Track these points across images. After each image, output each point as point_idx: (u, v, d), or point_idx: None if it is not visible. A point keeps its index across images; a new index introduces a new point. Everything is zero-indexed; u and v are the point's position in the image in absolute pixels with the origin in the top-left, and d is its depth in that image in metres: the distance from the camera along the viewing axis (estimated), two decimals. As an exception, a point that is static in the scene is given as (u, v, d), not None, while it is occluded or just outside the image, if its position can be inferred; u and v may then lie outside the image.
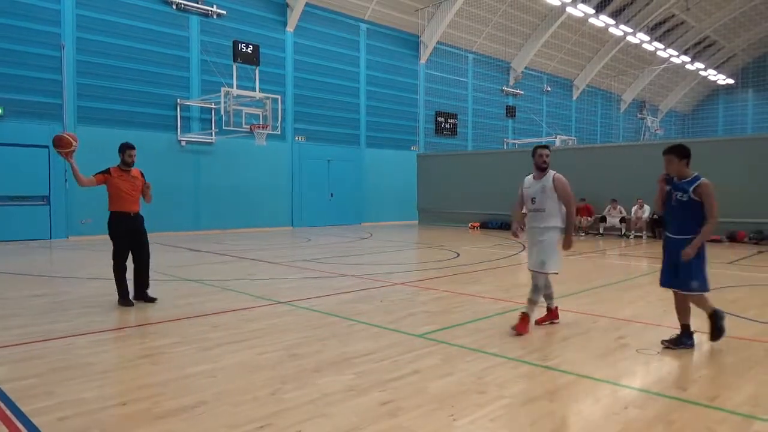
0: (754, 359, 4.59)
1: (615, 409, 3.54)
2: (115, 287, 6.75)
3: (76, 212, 15.54)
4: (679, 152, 5.04)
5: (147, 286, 6.92)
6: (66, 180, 15.18)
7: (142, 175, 6.94)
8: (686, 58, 36.23)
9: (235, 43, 16.30)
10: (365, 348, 4.85)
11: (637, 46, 33.47)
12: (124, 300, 6.67)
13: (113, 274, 6.77)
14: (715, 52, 39.96)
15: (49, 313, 6.25)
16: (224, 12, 18.33)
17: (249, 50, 16.46)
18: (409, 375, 4.13)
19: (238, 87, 16.14)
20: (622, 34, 30.95)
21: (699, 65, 37.62)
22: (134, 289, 6.83)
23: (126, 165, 6.79)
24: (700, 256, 4.78)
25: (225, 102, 15.80)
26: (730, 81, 41.95)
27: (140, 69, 16.70)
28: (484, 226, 20.09)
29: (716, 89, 44.92)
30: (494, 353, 4.69)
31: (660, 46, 33.15)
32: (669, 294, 7.67)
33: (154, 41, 17.00)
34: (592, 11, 27.15)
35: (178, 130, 17.51)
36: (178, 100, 17.46)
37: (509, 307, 6.58)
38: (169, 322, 5.85)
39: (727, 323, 4.99)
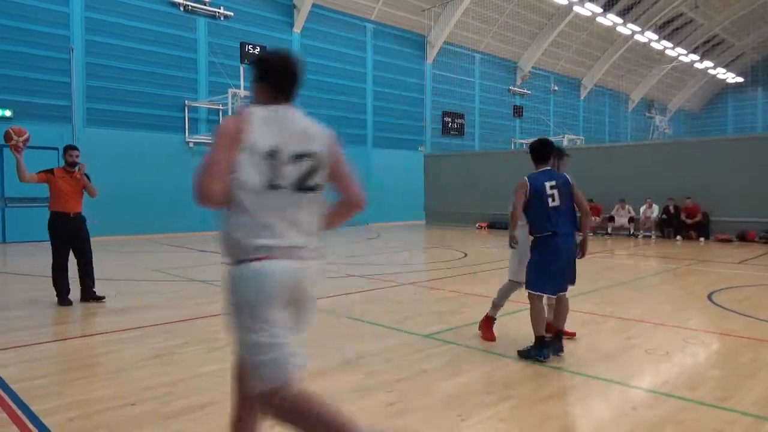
0: (765, 360, 4.55)
1: (624, 409, 3.52)
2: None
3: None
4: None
5: (92, 285, 6.95)
6: (75, 181, 15.29)
7: (85, 175, 7.05)
8: (695, 57, 35.99)
9: (242, 45, 16.38)
10: (372, 348, 4.85)
11: (645, 45, 33.28)
12: (62, 299, 6.69)
13: (52, 276, 6.78)
14: (724, 50, 39.68)
15: (58, 314, 6.29)
16: (231, 14, 18.40)
17: (256, 51, 16.53)
18: (416, 375, 4.13)
19: (246, 88, 16.19)
20: (630, 32, 30.79)
21: (708, 64, 37.36)
22: (81, 289, 6.86)
23: (69, 166, 6.97)
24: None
25: (232, 103, 15.87)
26: (740, 79, 41.62)
27: (148, 71, 16.80)
28: (492, 226, 20.03)
29: (725, 88, 44.60)
30: (502, 354, 4.67)
31: (668, 44, 32.96)
32: (678, 294, 7.61)
33: (162, 43, 17.09)
34: (599, 10, 27.02)
35: (186, 131, 17.59)
36: (186, 101, 17.54)
37: (517, 308, 6.56)
38: (178, 322, 5.88)
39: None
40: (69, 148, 7.02)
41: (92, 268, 6.98)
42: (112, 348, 4.92)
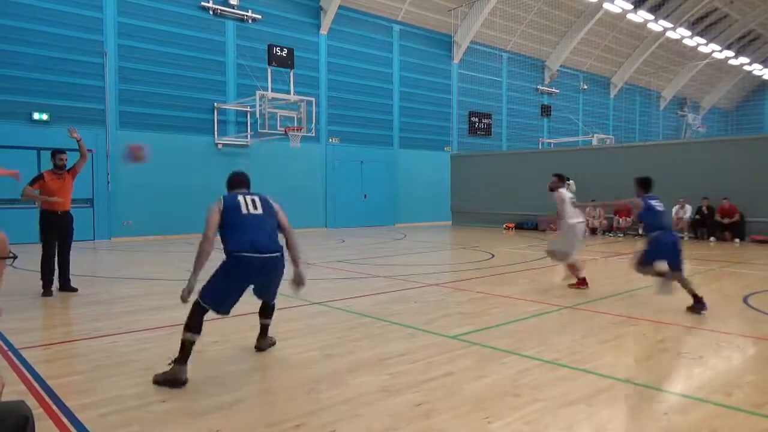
0: (804, 365, 4.41)
1: (655, 415, 3.45)
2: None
3: (119, 214, 16.01)
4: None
5: (68, 277, 7.64)
6: (109, 183, 15.66)
7: (71, 172, 7.73)
8: (730, 53, 35.05)
9: (270, 47, 16.53)
10: (399, 349, 4.85)
11: (678, 42, 32.55)
12: (46, 291, 7.30)
13: (41, 269, 7.37)
14: (761, 46, 38.52)
15: (92, 312, 6.45)
16: (259, 17, 18.61)
17: (284, 54, 16.67)
18: (443, 376, 4.11)
19: (273, 90, 16.35)
20: (661, 29, 30.14)
21: (743, 60, 36.34)
22: (58, 280, 7.53)
23: (58, 168, 7.58)
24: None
25: (260, 105, 16.03)
26: (777, 76, 40.41)
27: (179, 74, 17.10)
28: (519, 226, 19.84)
29: (762, 84, 43.30)
30: (530, 356, 4.62)
31: (702, 41, 32.16)
32: (712, 296, 7.43)
33: (192, 47, 17.38)
34: (630, 7, 26.49)
35: (215, 133, 17.85)
36: (215, 103, 17.81)
37: (545, 309, 6.48)
38: (208, 321, 5.95)
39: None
40: (58, 152, 7.70)
41: (68, 263, 7.69)
42: (144, 346, 5.02)
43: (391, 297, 7.32)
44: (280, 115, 16.71)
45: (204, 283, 4.25)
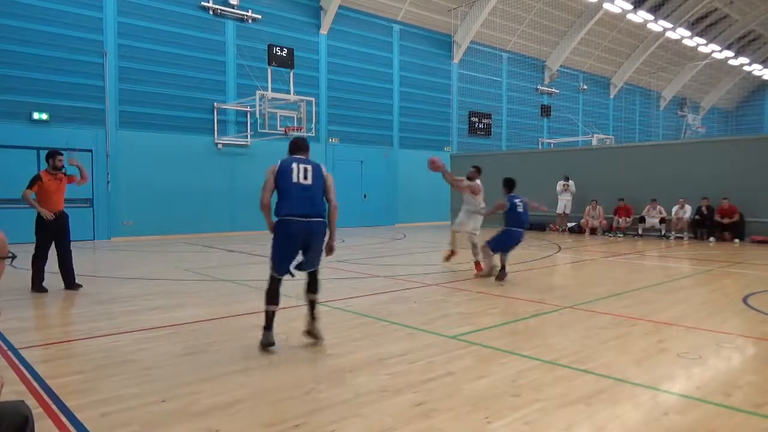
0: (804, 365, 4.41)
1: (655, 414, 3.45)
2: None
3: (118, 214, 16.01)
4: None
5: (72, 275, 7.77)
6: (108, 183, 15.65)
7: (66, 174, 7.95)
8: (729, 53, 35.05)
9: (270, 47, 16.53)
10: (399, 349, 4.85)
11: (678, 42, 32.55)
12: (37, 287, 7.49)
13: (32, 265, 7.54)
14: (761, 46, 38.52)
15: (92, 312, 6.45)
16: (259, 16, 18.61)
17: (283, 54, 16.67)
18: (443, 376, 4.11)
19: (273, 90, 16.36)
20: (661, 29, 30.15)
21: (743, 60, 36.34)
22: (63, 279, 7.70)
23: (55, 169, 7.75)
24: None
25: (260, 105, 16.03)
26: (777, 76, 40.40)
27: (179, 74, 17.10)
28: (519, 226, 19.82)
29: (762, 84, 43.31)
30: (529, 356, 4.63)
31: (702, 41, 32.16)
32: (712, 296, 7.46)
33: (192, 47, 17.38)
34: (630, 7, 26.51)
35: (215, 133, 17.86)
36: (215, 103, 17.81)
37: (544, 309, 6.49)
38: (208, 321, 5.98)
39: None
40: (56, 154, 7.84)
41: (71, 260, 7.79)
42: (144, 346, 5.02)
43: (391, 297, 7.32)
44: (280, 115, 16.71)
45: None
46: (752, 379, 4.14)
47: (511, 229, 8.33)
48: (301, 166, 4.75)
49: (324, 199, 4.88)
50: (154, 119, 16.69)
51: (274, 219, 4.79)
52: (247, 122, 18.48)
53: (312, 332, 5.00)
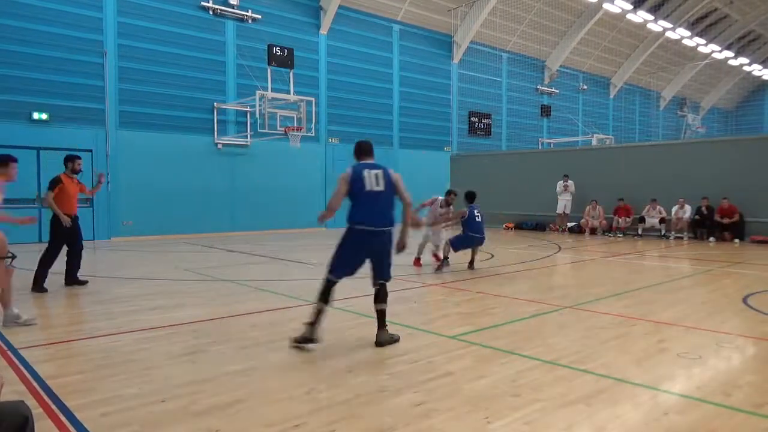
0: (804, 365, 4.41)
1: (654, 414, 3.45)
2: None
3: (119, 214, 16.01)
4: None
5: (77, 270, 7.97)
6: (108, 183, 15.64)
7: (82, 184, 8.16)
8: (729, 53, 35.06)
9: (270, 47, 16.52)
10: (399, 349, 4.85)
11: (677, 42, 32.56)
12: (38, 287, 7.50)
13: (40, 263, 7.60)
14: (761, 46, 38.53)
15: (92, 312, 6.45)
16: (259, 16, 18.61)
17: (283, 54, 16.66)
18: (442, 376, 4.11)
19: (273, 90, 16.35)
20: (661, 29, 30.15)
21: (743, 60, 36.33)
22: (66, 275, 7.85)
23: (74, 173, 7.88)
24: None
25: (260, 105, 16.03)
26: (777, 76, 40.40)
27: (179, 74, 17.09)
28: (519, 226, 19.85)
29: (762, 84, 43.32)
30: (529, 356, 4.63)
31: (701, 41, 32.16)
32: (712, 296, 7.46)
33: (192, 47, 17.38)
34: (630, 7, 26.52)
35: (215, 133, 17.85)
36: (215, 103, 17.81)
37: (544, 309, 6.49)
38: (208, 321, 5.97)
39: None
40: (75, 158, 7.92)
41: (81, 258, 8.02)
42: (144, 346, 5.02)
43: (391, 297, 7.27)
44: (280, 115, 16.70)
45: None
46: (752, 379, 4.14)
47: (470, 234, 9.61)
48: (372, 173, 4.90)
49: (395, 200, 5.10)
50: (154, 119, 16.69)
51: (346, 225, 4.93)
52: (247, 122, 18.47)
53: (380, 341, 4.94)
